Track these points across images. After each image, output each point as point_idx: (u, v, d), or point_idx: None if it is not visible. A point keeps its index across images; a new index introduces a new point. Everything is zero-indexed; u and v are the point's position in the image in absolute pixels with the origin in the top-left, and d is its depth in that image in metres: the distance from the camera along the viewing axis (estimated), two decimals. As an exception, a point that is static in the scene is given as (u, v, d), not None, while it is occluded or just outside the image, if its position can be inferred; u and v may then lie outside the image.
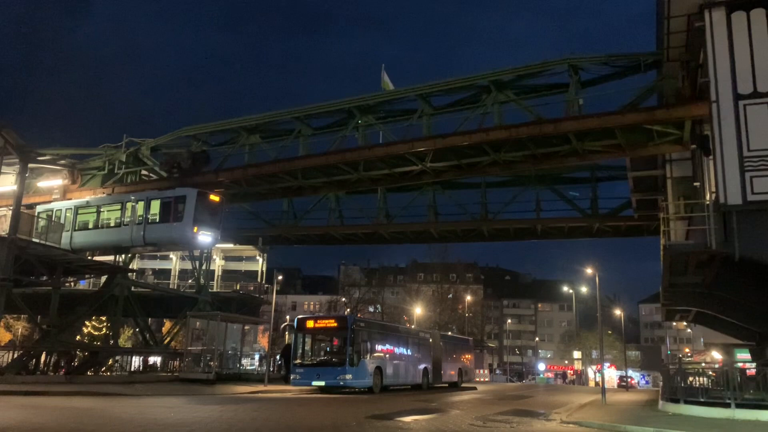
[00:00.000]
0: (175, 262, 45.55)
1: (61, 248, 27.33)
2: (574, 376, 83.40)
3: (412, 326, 47.85)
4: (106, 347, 33.10)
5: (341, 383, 22.88)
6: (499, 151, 23.92)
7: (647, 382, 70.93)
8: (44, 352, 27.14)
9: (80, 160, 31.29)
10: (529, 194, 30.76)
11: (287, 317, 65.92)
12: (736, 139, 15.31)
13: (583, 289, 70.71)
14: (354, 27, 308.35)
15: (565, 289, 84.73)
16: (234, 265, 48.67)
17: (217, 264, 44.92)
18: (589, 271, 32.23)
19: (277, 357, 32.06)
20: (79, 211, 29.36)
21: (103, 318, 44.02)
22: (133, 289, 33.21)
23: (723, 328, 27.09)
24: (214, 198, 27.36)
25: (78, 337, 45.65)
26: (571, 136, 21.98)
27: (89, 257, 30.38)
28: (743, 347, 30.38)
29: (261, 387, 25.29)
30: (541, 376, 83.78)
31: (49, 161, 29.43)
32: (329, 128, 28.51)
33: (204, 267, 38.36)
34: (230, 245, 40.38)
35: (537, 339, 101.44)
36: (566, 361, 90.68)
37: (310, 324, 24.93)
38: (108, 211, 29.04)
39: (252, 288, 44.81)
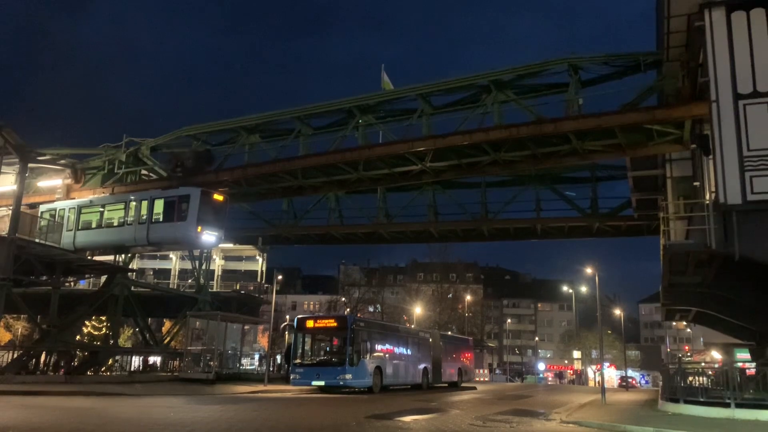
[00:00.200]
0: (175, 262, 45.55)
1: (61, 248, 27.33)
2: (574, 376, 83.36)
3: (412, 326, 47.85)
4: (106, 347, 33.09)
5: (341, 383, 22.88)
6: (499, 150, 23.91)
7: (647, 382, 70.92)
8: (44, 352, 27.17)
9: (80, 159, 31.27)
10: (529, 194, 30.76)
11: (287, 317, 65.81)
12: (735, 139, 15.29)
13: (583, 289, 70.70)
14: (354, 27, 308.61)
15: (565, 288, 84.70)
16: (234, 265, 48.67)
17: (217, 264, 44.90)
18: (589, 270, 32.22)
19: (278, 357, 32.05)
20: (83, 211, 29.30)
21: (103, 318, 43.99)
22: (133, 288, 33.19)
23: (723, 327, 27.10)
24: (218, 197, 27.22)
25: (78, 337, 45.61)
26: (571, 136, 21.98)
27: (89, 257, 30.38)
28: (743, 347, 30.36)
29: (261, 387, 25.30)
30: (531, 376, 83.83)
31: (49, 161, 29.43)
32: (329, 128, 28.50)
33: (204, 267, 38.37)
34: (230, 245, 40.36)
35: (537, 339, 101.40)
36: (566, 361, 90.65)
37: (309, 324, 24.93)
38: (111, 210, 28.94)
39: (252, 288, 44.82)
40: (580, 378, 78.83)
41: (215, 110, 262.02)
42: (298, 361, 24.05)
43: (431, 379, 29.44)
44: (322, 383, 23.29)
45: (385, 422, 12.38)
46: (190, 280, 41.16)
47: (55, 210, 29.59)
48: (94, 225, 29.04)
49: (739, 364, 21.29)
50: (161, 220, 27.05)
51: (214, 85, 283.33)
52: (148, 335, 34.58)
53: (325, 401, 19.14)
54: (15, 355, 26.67)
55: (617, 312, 61.41)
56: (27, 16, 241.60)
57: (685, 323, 46.24)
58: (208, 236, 26.78)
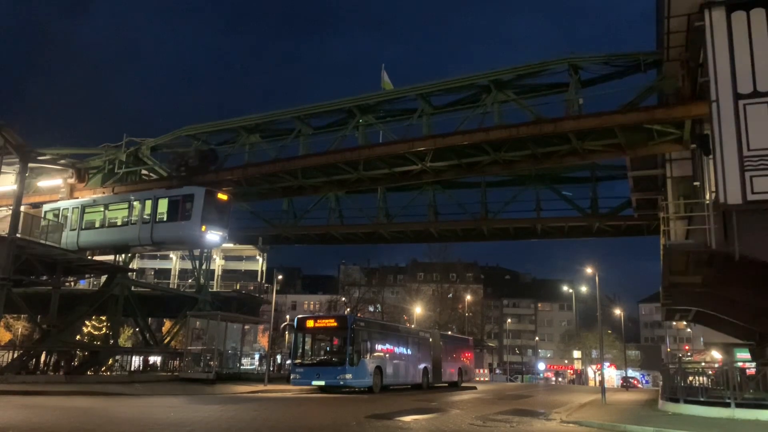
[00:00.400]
0: (175, 262, 45.56)
1: (61, 248, 27.32)
2: (574, 376, 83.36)
3: (412, 326, 47.87)
4: (106, 347, 33.10)
5: (341, 383, 22.89)
6: (499, 150, 23.91)
7: (647, 382, 70.92)
8: (44, 352, 27.13)
9: (80, 159, 31.28)
10: (529, 194, 30.72)
11: (287, 317, 65.80)
12: (735, 139, 15.26)
13: (583, 289, 70.73)
14: (354, 27, 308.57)
15: (565, 288, 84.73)
16: (234, 265, 48.69)
17: (217, 264, 44.89)
18: (589, 270, 32.24)
19: (278, 357, 32.04)
20: (86, 210, 29.27)
21: (103, 318, 43.99)
22: (133, 288, 33.19)
23: (723, 327, 27.12)
24: (222, 197, 27.14)
25: (78, 337, 45.58)
26: (571, 136, 21.97)
27: (89, 257, 30.38)
28: (743, 347, 30.42)
29: (261, 387, 25.31)
30: (527, 375, 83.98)
31: (49, 161, 29.44)
32: (329, 128, 28.48)
33: (204, 267, 38.38)
34: (230, 245, 40.33)
35: (537, 338, 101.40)
36: (566, 361, 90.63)
37: (310, 324, 24.94)
38: (115, 210, 28.90)
39: (252, 287, 44.84)
40: (581, 378, 78.85)
41: (215, 110, 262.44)
42: (298, 360, 24.07)
43: (431, 379, 29.44)
44: (322, 383, 23.30)
45: (385, 422, 12.39)
46: (190, 280, 41.17)
47: (58, 209, 29.58)
48: (97, 224, 29.01)
49: (739, 364, 21.34)
50: (165, 219, 26.97)
51: (214, 85, 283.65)
52: (148, 335, 34.57)
53: (325, 401, 19.15)
54: (15, 355, 26.64)
55: (617, 312, 61.44)
56: (27, 16, 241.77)
57: (685, 323, 46.31)
58: (212, 236, 26.69)
